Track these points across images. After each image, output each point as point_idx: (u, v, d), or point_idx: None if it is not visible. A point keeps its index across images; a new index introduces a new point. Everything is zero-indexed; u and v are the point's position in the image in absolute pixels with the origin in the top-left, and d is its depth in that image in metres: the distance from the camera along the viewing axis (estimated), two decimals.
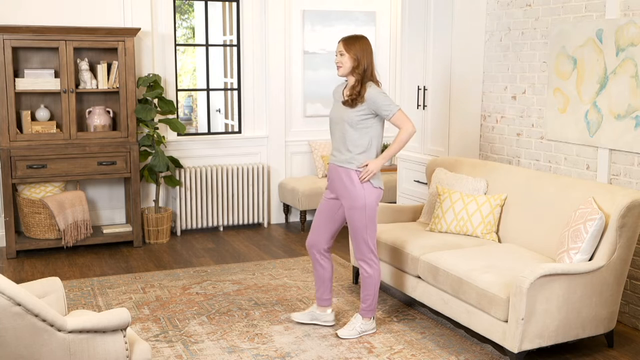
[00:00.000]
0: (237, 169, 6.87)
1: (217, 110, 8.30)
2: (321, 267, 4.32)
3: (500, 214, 4.64)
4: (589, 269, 3.72)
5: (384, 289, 5.04)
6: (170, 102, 6.33)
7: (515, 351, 3.61)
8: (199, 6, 9.37)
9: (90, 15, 6.19)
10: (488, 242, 4.55)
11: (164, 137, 6.42)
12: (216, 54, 8.15)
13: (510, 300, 3.61)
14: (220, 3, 7.79)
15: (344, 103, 4.04)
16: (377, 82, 4.05)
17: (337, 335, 4.17)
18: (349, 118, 4.01)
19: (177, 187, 6.64)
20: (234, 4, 7.01)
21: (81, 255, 5.96)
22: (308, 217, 7.01)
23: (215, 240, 6.53)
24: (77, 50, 5.99)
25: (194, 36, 11.58)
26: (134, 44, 6.00)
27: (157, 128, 6.27)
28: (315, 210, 6.88)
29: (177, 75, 6.81)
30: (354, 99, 3.98)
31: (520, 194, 4.55)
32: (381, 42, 7.47)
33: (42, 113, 6.00)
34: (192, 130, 10.37)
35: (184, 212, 6.71)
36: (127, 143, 6.08)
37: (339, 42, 4.07)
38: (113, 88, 6.09)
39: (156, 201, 6.41)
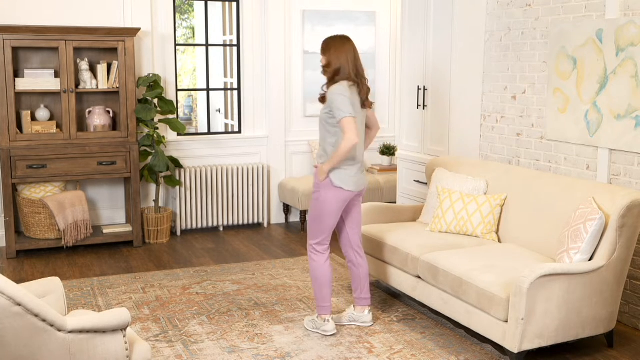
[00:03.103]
0: (237, 169, 6.87)
1: (217, 110, 8.30)
2: (354, 266, 4.39)
3: (500, 214, 4.64)
4: (589, 269, 3.72)
5: (384, 288, 5.05)
6: (170, 102, 6.33)
7: (515, 351, 3.61)
8: (199, 6, 9.37)
9: (90, 15, 6.19)
10: (488, 242, 4.55)
11: (164, 137, 6.42)
12: (216, 54, 8.15)
13: (510, 300, 3.61)
14: (220, 3, 7.79)
15: (319, 100, 4.24)
16: (358, 82, 4.09)
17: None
18: (320, 115, 4.18)
19: (177, 187, 6.64)
20: (234, 4, 7.02)
21: (81, 255, 5.96)
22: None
23: (215, 240, 6.53)
24: (77, 50, 5.99)
25: (194, 36, 11.58)
26: (134, 44, 6.00)
27: (157, 128, 6.27)
28: None
29: (177, 75, 6.81)
30: (322, 95, 4.17)
31: (520, 194, 4.55)
32: (381, 42, 7.47)
33: (42, 113, 6.01)
34: (192, 130, 10.37)
35: (184, 212, 6.71)
36: (127, 143, 6.08)
37: None
38: (113, 88, 6.09)
39: (156, 201, 6.41)
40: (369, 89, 4.19)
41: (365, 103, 4.17)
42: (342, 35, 4.19)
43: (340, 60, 4.07)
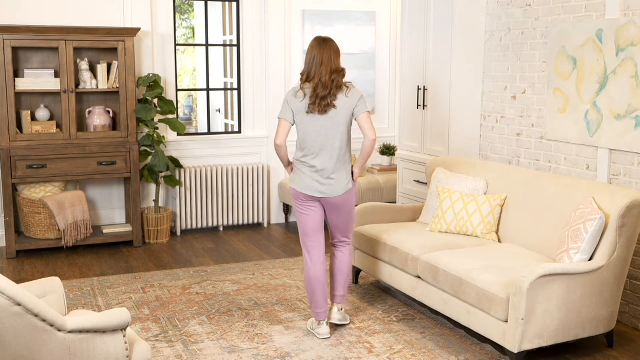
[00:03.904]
0: (237, 169, 6.87)
1: (217, 110, 8.30)
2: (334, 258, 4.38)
3: (500, 214, 4.64)
4: (589, 269, 3.72)
5: (383, 288, 5.05)
6: (170, 102, 6.33)
7: (515, 351, 3.61)
8: (199, 6, 9.36)
9: (90, 15, 6.19)
10: (488, 242, 4.55)
11: (164, 137, 6.42)
12: (216, 54, 8.15)
13: (510, 300, 3.61)
14: (220, 3, 7.79)
15: None
16: (311, 80, 4.01)
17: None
18: None
19: (177, 187, 6.64)
20: (234, 4, 7.02)
21: (81, 255, 5.96)
22: None
23: (215, 240, 6.53)
24: (77, 50, 5.99)
25: (194, 36, 11.59)
26: (134, 44, 6.00)
27: (157, 128, 6.27)
28: None
29: (177, 75, 6.81)
30: None
31: (520, 194, 4.55)
32: (381, 42, 7.47)
33: (42, 113, 6.01)
34: (192, 130, 10.37)
35: (184, 212, 6.71)
36: (127, 143, 6.08)
37: None
38: (113, 88, 6.09)
39: (156, 201, 6.41)
40: (324, 94, 3.95)
41: (314, 108, 3.97)
42: (316, 37, 4.12)
43: (305, 61, 4.08)
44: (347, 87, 4.04)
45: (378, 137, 6.92)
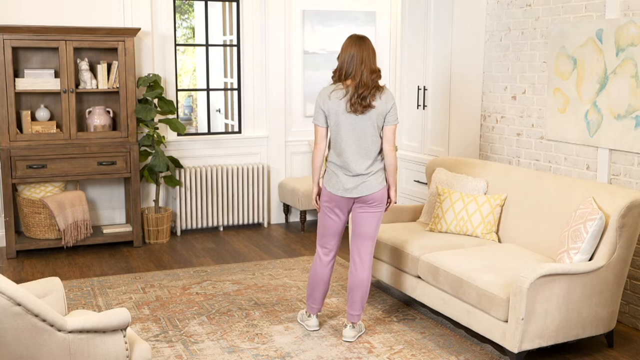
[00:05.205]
0: (237, 169, 6.87)
1: (217, 110, 8.30)
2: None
3: (500, 214, 4.64)
4: (589, 269, 3.72)
5: (384, 288, 5.05)
6: (170, 102, 6.33)
7: (515, 351, 3.61)
8: (199, 6, 9.37)
9: (90, 15, 6.19)
10: (488, 242, 4.55)
11: (164, 137, 6.42)
12: (216, 54, 8.15)
13: (510, 300, 3.62)
14: (220, 3, 7.79)
15: None
16: (346, 82, 3.93)
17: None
18: None
19: (177, 187, 6.64)
20: (234, 4, 7.02)
21: (81, 255, 5.96)
22: (308, 217, 7.00)
23: (215, 240, 6.53)
24: (77, 50, 5.99)
25: (194, 36, 11.59)
26: (134, 44, 6.00)
27: (157, 128, 6.27)
28: (315, 210, 6.88)
29: (177, 75, 6.80)
30: None
31: (520, 194, 4.55)
32: (381, 42, 7.47)
33: (42, 113, 6.01)
34: (192, 130, 10.37)
35: (184, 212, 6.71)
36: (127, 143, 6.08)
37: None
38: (113, 88, 6.09)
39: (156, 201, 6.41)
40: (366, 94, 3.87)
41: (357, 108, 3.88)
42: (352, 35, 4.03)
43: (339, 60, 3.99)
44: (381, 88, 3.97)
45: None
